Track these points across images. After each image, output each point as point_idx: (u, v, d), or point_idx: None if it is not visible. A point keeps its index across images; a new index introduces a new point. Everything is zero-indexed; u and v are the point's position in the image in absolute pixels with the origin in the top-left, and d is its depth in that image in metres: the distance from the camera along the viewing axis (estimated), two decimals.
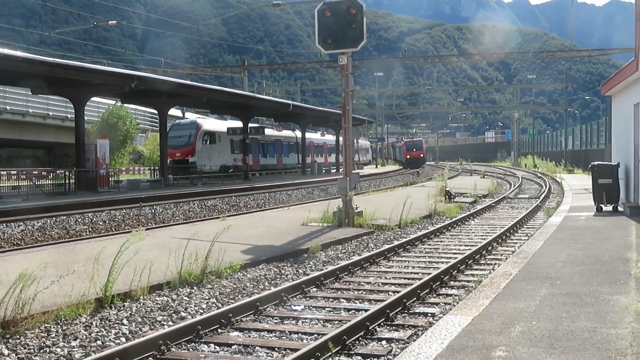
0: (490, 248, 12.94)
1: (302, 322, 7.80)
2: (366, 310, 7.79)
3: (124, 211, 19.61)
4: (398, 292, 8.80)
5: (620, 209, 17.15)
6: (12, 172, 33.48)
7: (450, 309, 7.55)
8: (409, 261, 12.05)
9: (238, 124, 43.27)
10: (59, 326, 7.44)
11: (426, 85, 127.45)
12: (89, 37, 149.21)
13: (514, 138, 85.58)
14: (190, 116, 61.89)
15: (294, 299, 8.93)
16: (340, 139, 34.77)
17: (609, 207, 17.16)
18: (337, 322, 7.68)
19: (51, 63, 24.41)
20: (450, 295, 9.08)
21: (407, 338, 6.97)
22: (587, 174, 33.12)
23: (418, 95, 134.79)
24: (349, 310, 8.34)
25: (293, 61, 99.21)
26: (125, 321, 7.71)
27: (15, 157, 50.60)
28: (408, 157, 77.13)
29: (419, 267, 11.46)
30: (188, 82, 37.27)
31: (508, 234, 15.12)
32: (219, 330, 7.36)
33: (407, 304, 8.26)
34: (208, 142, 42.39)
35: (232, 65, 78.16)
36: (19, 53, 23.13)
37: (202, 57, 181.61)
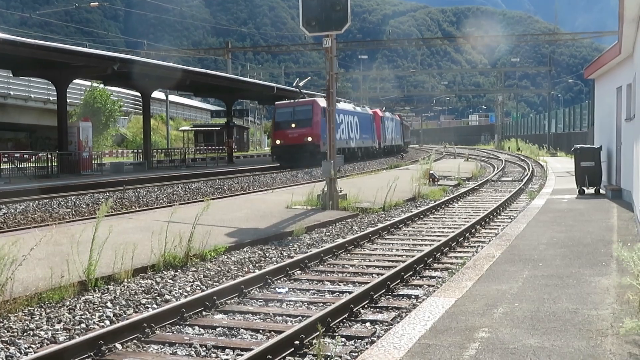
0: (473, 230, 13.01)
1: (287, 304, 7.82)
2: (350, 293, 7.83)
3: (107, 194, 19.51)
4: (382, 274, 8.83)
5: (602, 191, 17.29)
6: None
7: (434, 291, 7.60)
8: (393, 244, 12.09)
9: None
10: (43, 309, 7.41)
11: (410, 68, 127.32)
12: (71, 19, 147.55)
13: (498, 121, 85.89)
14: (174, 99, 61.40)
15: (279, 281, 8.95)
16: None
17: (592, 190, 17.29)
18: (322, 304, 7.71)
19: (32, 44, 24.20)
20: (434, 277, 9.14)
21: (391, 320, 7.01)
22: (570, 157, 33.34)
23: (402, 78, 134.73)
24: (333, 292, 8.37)
25: (277, 44, 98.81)
26: (109, 304, 7.70)
27: (6, 140, 50.15)
28: (279, 142, 38.72)
29: (403, 249, 11.51)
30: (171, 64, 36.94)
31: (491, 216, 15.21)
32: (204, 313, 7.36)
33: (391, 286, 8.30)
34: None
35: (215, 48, 77.68)
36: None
37: (185, 39, 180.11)
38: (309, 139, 36.55)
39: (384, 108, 67.64)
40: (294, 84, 41.40)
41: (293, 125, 37.16)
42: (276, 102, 40.38)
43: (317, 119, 36.81)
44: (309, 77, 50.48)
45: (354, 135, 45.81)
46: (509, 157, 49.66)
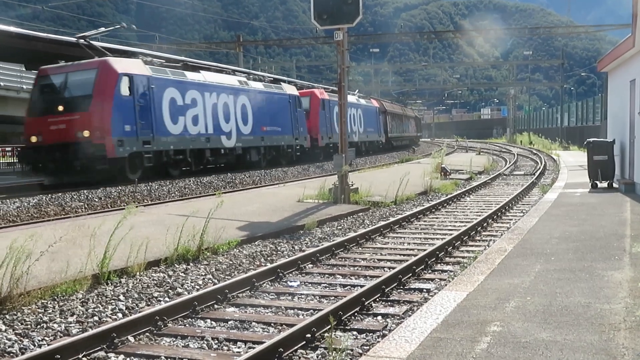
0: (485, 224, 12.98)
1: (298, 297, 7.83)
2: (362, 286, 7.83)
3: (120, 188, 19.58)
4: (393, 268, 8.84)
5: (615, 185, 17.20)
6: (7, 149, 33.33)
7: (446, 285, 7.59)
8: (404, 237, 12.08)
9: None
10: (56, 302, 7.46)
11: (422, 61, 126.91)
12: (83, 12, 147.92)
13: (510, 115, 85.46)
14: None
15: (290, 275, 8.96)
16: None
17: (604, 184, 17.20)
18: (333, 297, 7.72)
19: (45, 39, 24.25)
20: (446, 271, 9.13)
21: (403, 313, 7.01)
22: (582, 151, 33.18)
23: (414, 71, 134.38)
24: (344, 286, 8.37)
25: (288, 37, 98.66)
26: (122, 297, 7.74)
27: (10, 134, 50.33)
28: (35, 140, 21.58)
29: (414, 243, 11.50)
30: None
31: (503, 210, 15.16)
32: (215, 306, 7.39)
33: (403, 279, 8.30)
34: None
35: (227, 41, 77.73)
36: (12, 28, 22.93)
37: (197, 32, 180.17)
38: (84, 133, 20.29)
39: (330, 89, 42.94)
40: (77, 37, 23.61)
41: (60, 109, 20.97)
42: (42, 67, 22.84)
43: (104, 96, 20.95)
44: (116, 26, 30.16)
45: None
46: (521, 151, 49.45)
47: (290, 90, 34.35)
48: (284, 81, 36.85)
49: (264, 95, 31.11)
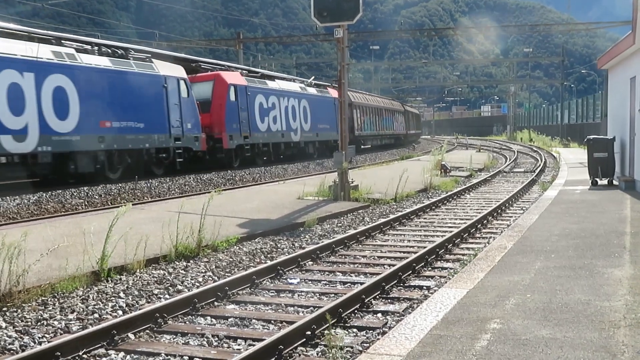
0: (485, 222, 12.98)
1: (298, 295, 7.84)
2: (362, 284, 7.83)
3: (120, 185, 19.58)
4: (394, 265, 8.84)
5: (615, 182, 17.19)
6: None
7: (446, 282, 7.59)
8: (404, 235, 12.08)
9: None
10: (56, 299, 7.47)
11: (422, 59, 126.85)
12: (83, 10, 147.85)
13: (510, 112, 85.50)
14: None
15: (290, 272, 8.97)
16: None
17: (604, 181, 17.20)
18: (333, 295, 7.73)
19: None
20: (446, 268, 9.13)
21: (403, 311, 7.01)
22: (582, 148, 33.18)
23: (414, 68, 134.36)
24: (344, 283, 8.38)
25: (289, 34, 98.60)
26: (122, 294, 7.74)
27: None
28: None
29: (414, 240, 11.50)
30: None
31: (503, 207, 15.16)
32: (216, 303, 7.39)
33: (403, 277, 8.30)
34: None
35: (227, 39, 77.66)
36: (12, 25, 22.90)
37: (197, 29, 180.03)
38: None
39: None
40: None
41: None
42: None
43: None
44: None
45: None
46: (521, 148, 49.43)
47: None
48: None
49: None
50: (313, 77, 42.09)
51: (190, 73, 27.22)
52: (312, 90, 37.87)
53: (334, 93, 39.15)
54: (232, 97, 27.94)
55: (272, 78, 33.90)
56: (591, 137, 17.77)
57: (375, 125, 51.29)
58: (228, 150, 27.65)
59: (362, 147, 46.73)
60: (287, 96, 33.68)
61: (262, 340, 5.77)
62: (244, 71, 31.91)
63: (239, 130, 28.32)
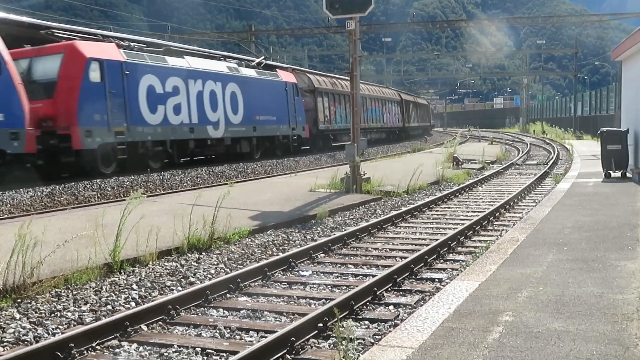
0: (497, 214, 12.94)
1: (310, 287, 7.85)
2: (374, 276, 7.83)
3: (132, 177, 19.65)
4: (405, 257, 8.83)
5: (629, 175, 17.10)
6: None
7: (458, 275, 7.58)
8: (416, 227, 12.07)
9: None
10: (69, 291, 7.51)
11: (435, 51, 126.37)
12: (95, 2, 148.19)
13: (523, 104, 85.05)
14: None
15: (302, 264, 8.98)
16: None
17: (618, 174, 17.11)
18: (345, 287, 7.73)
19: (57, 28, 24.27)
20: (458, 261, 9.11)
21: (415, 303, 7.01)
22: (596, 140, 32.99)
23: (426, 61, 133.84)
24: (356, 275, 8.38)
25: (300, 27, 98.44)
26: (134, 286, 7.78)
27: None
28: None
29: (426, 233, 11.49)
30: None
31: (516, 200, 15.11)
32: (228, 295, 7.42)
33: (415, 269, 8.30)
34: None
35: (239, 31, 77.63)
36: (24, 18, 22.99)
37: (209, 22, 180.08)
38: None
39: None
40: None
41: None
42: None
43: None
44: None
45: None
46: (534, 141, 49.22)
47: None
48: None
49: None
50: (263, 57, 34.81)
51: (43, 44, 20.73)
52: (248, 72, 28.99)
53: (285, 76, 32.42)
54: (95, 76, 20.13)
55: (180, 54, 25.53)
56: (604, 129, 17.67)
57: (359, 117, 40.52)
58: (85, 152, 19.75)
59: (334, 144, 37.75)
60: (203, 78, 25.30)
61: (274, 332, 5.78)
62: (131, 43, 23.49)
63: (106, 122, 20.39)
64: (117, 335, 5.96)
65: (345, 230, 11.39)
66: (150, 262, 8.86)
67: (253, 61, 31.67)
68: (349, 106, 40.16)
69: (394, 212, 13.08)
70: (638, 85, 17.16)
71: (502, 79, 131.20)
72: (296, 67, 37.35)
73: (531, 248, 8.12)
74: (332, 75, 45.38)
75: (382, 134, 49.74)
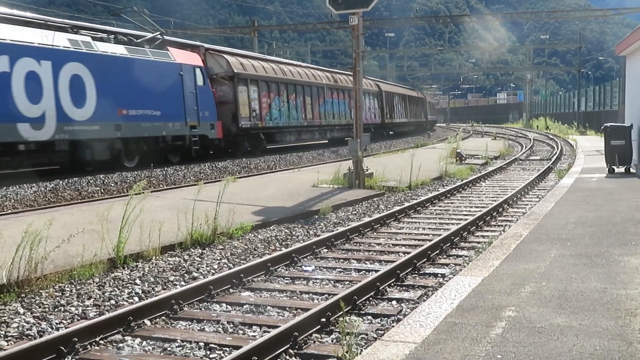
0: (500, 209, 12.93)
1: (313, 282, 7.86)
2: (376, 271, 7.84)
3: (135, 172, 19.67)
4: (408, 253, 8.84)
5: (632, 170, 17.07)
6: None
7: (460, 270, 7.58)
8: (419, 222, 12.07)
9: None
10: (73, 285, 7.53)
11: (438, 46, 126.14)
12: None
13: (526, 99, 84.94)
14: None
15: (305, 259, 8.98)
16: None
17: (621, 169, 17.08)
18: (348, 282, 7.73)
19: (60, 24, 24.28)
20: (461, 256, 9.11)
21: (417, 298, 7.01)
22: (599, 136, 32.92)
23: (429, 56, 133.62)
24: (359, 271, 8.38)
25: (303, 22, 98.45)
26: (138, 281, 7.80)
27: None
28: None
29: (429, 228, 11.48)
30: None
31: (519, 195, 15.09)
32: (231, 290, 7.42)
33: (417, 264, 8.30)
34: None
35: (242, 26, 77.69)
36: (28, 14, 22.99)
37: (212, 17, 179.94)
38: None
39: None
40: None
41: None
42: None
43: None
44: None
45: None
46: (538, 136, 49.14)
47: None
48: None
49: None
50: (159, 32, 24.86)
51: None
52: (108, 48, 20.84)
53: (180, 57, 24.35)
54: None
55: None
56: (608, 124, 17.64)
57: (304, 112, 34.00)
58: None
59: (270, 146, 31.14)
60: (9, 53, 17.16)
61: (277, 327, 5.79)
62: None
63: None
64: (121, 330, 5.97)
65: (348, 225, 11.40)
66: (154, 257, 8.88)
67: (142, 37, 23.59)
68: (295, 97, 33.36)
69: (397, 208, 13.08)
70: None
71: (506, 74, 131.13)
72: (211, 47, 29.39)
73: (534, 243, 8.12)
74: (274, 59, 38.26)
75: (347, 132, 34.55)
